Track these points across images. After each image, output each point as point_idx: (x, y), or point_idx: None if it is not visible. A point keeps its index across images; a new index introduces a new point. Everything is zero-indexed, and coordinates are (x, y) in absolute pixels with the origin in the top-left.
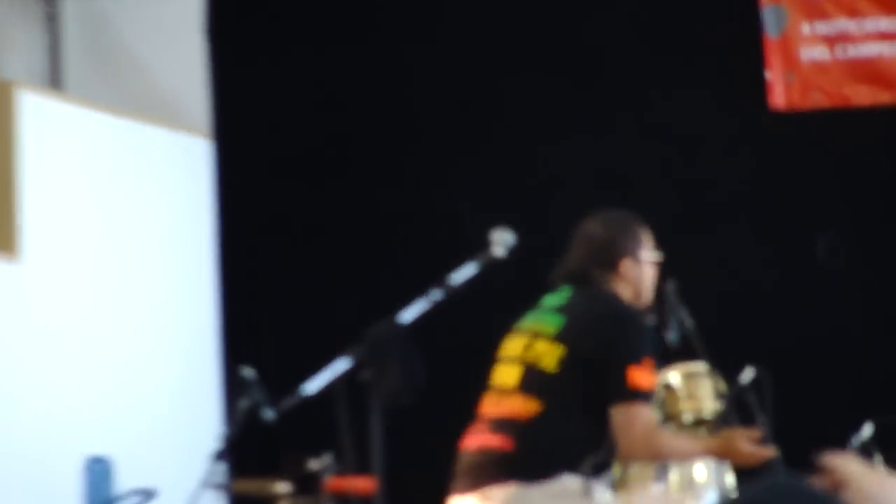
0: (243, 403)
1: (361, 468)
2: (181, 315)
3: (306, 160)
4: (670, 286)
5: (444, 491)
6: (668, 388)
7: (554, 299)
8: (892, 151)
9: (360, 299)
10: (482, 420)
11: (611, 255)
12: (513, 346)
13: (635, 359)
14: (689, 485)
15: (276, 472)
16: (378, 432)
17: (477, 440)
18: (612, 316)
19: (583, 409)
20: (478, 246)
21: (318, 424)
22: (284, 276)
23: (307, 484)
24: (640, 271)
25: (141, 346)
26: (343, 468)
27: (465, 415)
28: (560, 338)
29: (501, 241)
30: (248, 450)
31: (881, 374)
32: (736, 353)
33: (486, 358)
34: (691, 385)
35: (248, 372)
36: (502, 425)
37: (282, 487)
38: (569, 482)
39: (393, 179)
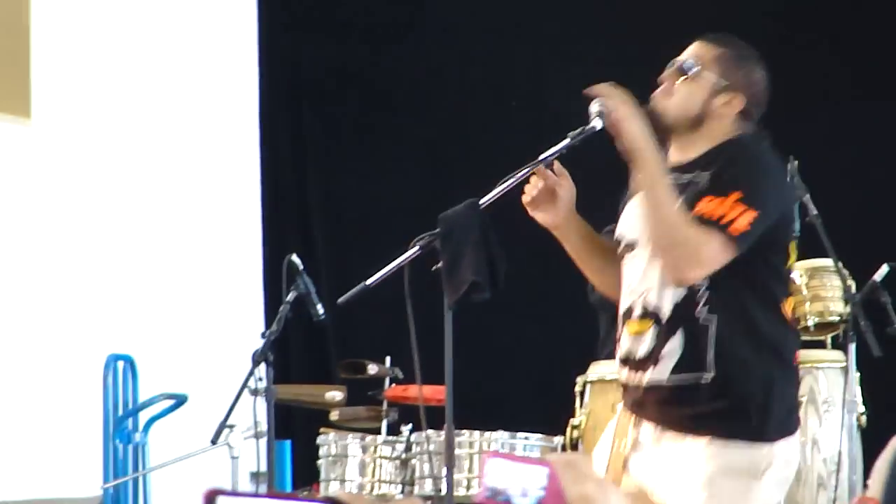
0: (290, 297)
1: (428, 376)
2: (219, 192)
3: (368, 14)
4: (792, 166)
5: (522, 407)
6: None
7: None
8: None
9: (432, 177)
10: None
11: None
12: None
13: None
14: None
15: (328, 378)
16: (449, 333)
17: None
18: None
19: None
20: (572, 120)
21: (378, 324)
22: (341, 149)
23: (364, 392)
24: None
25: (171, 229)
26: (406, 376)
27: (551, 312)
28: None
29: (602, 112)
30: (296, 352)
31: None
32: (869, 248)
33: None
34: (816, 283)
35: (295, 261)
36: None
37: (335, 395)
38: None
39: (470, 35)
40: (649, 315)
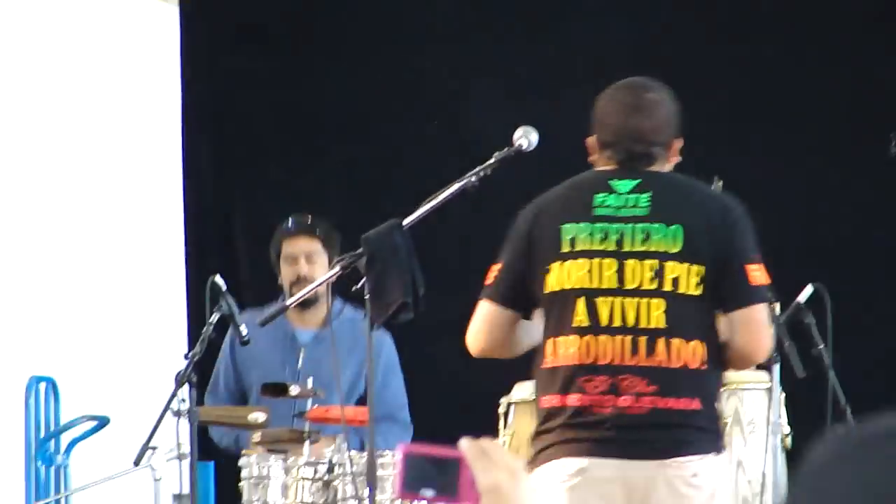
0: (213, 318)
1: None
2: (141, 212)
3: (291, 31)
4: (716, 186)
5: (445, 427)
6: None
7: (623, 201)
8: None
9: (354, 197)
10: (594, 370)
11: (671, 132)
12: (605, 271)
13: (755, 254)
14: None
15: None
16: (371, 354)
17: (626, 399)
18: (728, 210)
19: (716, 334)
20: (494, 140)
21: None
22: (263, 169)
23: (287, 414)
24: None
25: (92, 249)
26: (328, 396)
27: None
28: (689, 253)
29: (526, 138)
30: None
31: None
32: (792, 269)
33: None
34: None
35: (218, 282)
36: (667, 378)
37: (258, 417)
38: None
39: (393, 54)
40: None
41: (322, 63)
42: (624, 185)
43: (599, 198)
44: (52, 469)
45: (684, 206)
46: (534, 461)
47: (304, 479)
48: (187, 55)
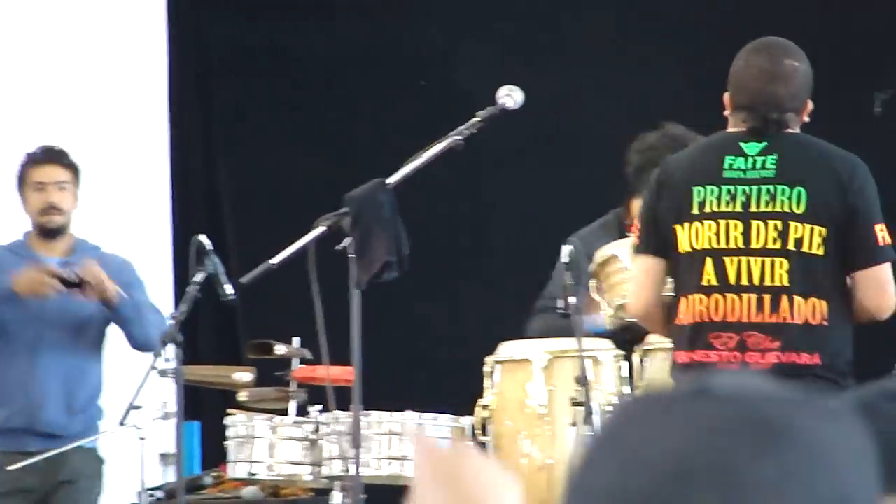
0: (198, 277)
1: (336, 357)
2: (126, 171)
3: None
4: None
5: (431, 387)
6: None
7: (752, 163)
8: None
9: (341, 157)
10: (722, 327)
11: (805, 96)
12: (732, 232)
13: (879, 214)
14: None
15: (236, 359)
16: (357, 313)
17: (752, 355)
18: (855, 171)
19: (842, 292)
20: (480, 100)
21: (287, 305)
22: (249, 128)
23: (273, 373)
24: None
25: (79, 208)
26: (315, 356)
27: (459, 292)
28: (813, 214)
29: (511, 97)
30: (205, 332)
31: None
32: None
33: (486, 231)
34: None
35: (203, 241)
36: (789, 334)
37: (243, 376)
38: None
39: (379, 13)
40: None
41: (309, 22)
42: (752, 147)
43: (729, 160)
44: None
45: (810, 167)
46: None
47: (290, 438)
48: (173, 12)
